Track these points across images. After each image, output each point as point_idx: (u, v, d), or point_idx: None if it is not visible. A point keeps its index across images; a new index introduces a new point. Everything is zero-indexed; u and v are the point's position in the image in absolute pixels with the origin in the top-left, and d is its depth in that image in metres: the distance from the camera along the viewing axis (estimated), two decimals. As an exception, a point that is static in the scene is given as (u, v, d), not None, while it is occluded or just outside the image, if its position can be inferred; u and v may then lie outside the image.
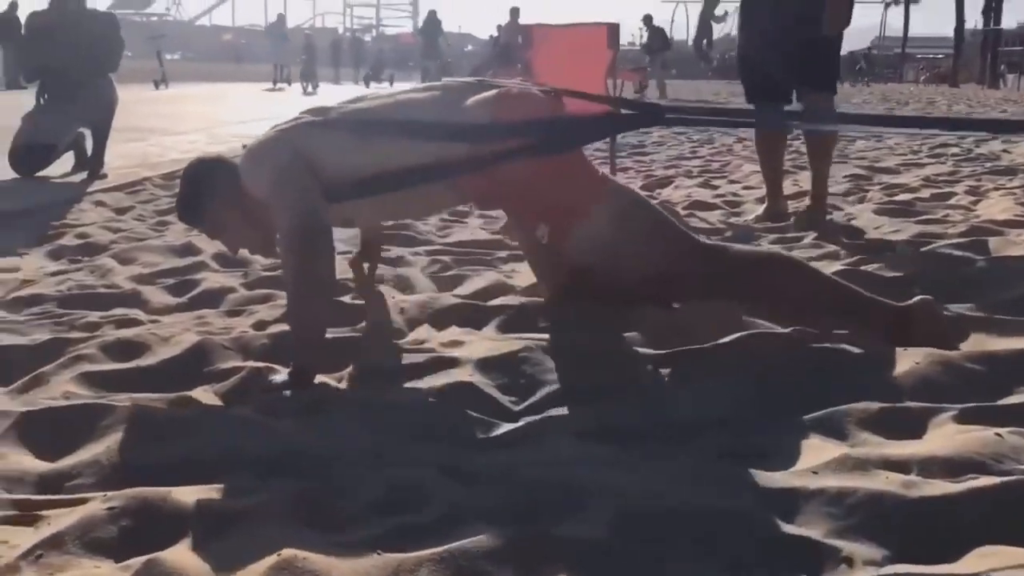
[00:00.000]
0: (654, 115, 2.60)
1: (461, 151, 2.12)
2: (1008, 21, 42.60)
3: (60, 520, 1.39)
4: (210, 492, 1.44)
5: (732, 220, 3.88)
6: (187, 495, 1.42)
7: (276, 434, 1.69)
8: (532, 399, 1.89)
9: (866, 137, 7.84)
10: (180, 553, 1.28)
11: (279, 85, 22.19)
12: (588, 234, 2.09)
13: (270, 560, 1.20)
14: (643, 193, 3.91)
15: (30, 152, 5.18)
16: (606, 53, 4.43)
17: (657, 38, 19.12)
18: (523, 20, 18.10)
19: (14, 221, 4.01)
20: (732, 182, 5.06)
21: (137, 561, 1.23)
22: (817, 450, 1.54)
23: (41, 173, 5.30)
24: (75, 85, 5.12)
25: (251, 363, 2.11)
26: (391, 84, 26.38)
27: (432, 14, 19.77)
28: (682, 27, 49.02)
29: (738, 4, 3.82)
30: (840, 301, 2.08)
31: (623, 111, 2.66)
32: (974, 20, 46.74)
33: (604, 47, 4.43)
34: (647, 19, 19.54)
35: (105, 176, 5.31)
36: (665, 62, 20.39)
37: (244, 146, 2.23)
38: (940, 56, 45.43)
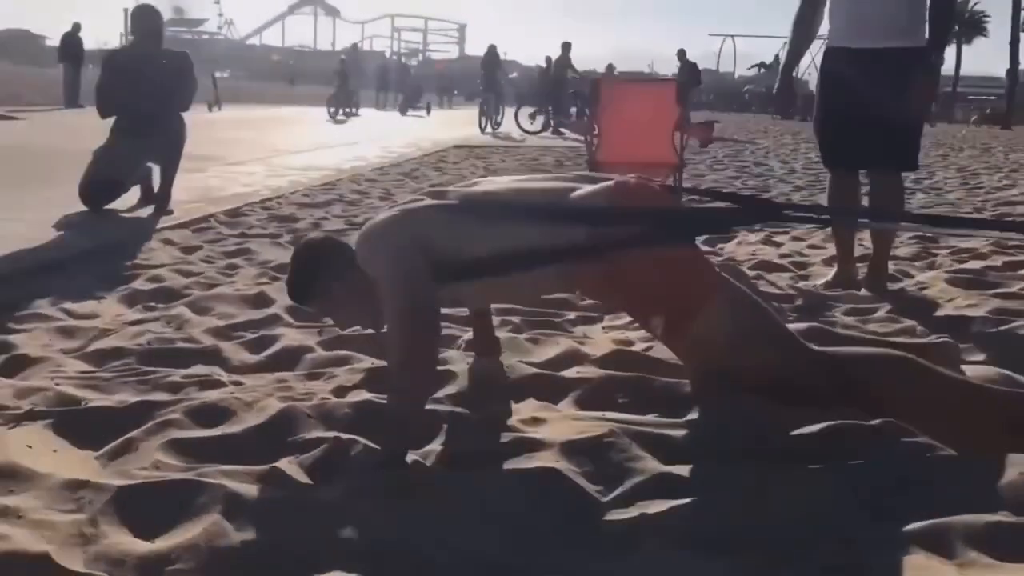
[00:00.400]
0: (772, 212, 2.60)
1: (578, 236, 2.12)
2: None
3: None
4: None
5: (801, 285, 3.84)
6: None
7: (371, 524, 1.69)
8: (620, 490, 1.87)
9: (926, 191, 7.76)
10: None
11: (348, 110, 22.50)
12: (702, 332, 2.08)
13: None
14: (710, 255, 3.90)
15: (100, 187, 5.29)
16: (674, 109, 4.43)
17: (686, 72, 19.10)
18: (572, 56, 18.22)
19: (87, 260, 4.08)
20: (796, 239, 5.02)
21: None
22: (925, 571, 1.50)
23: (109, 206, 5.40)
24: (148, 122, 5.23)
25: (334, 434, 2.11)
26: (428, 113, 26.41)
27: (492, 48, 20.05)
28: (728, 59, 48.90)
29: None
30: (963, 399, 2.01)
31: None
32: (1025, 61, 46.10)
33: (673, 103, 4.43)
34: (680, 53, 19.50)
35: (171, 212, 5.40)
36: (697, 97, 20.36)
37: (364, 223, 2.28)
38: (992, 97, 44.97)
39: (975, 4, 54.68)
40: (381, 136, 14.90)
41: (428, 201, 2.27)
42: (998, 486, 1.79)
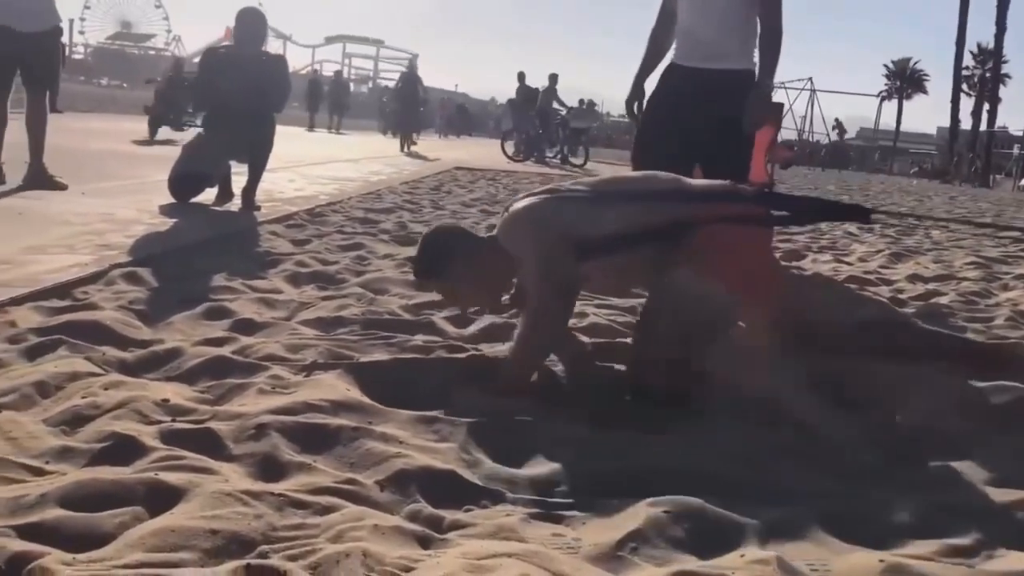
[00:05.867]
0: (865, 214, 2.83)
1: (690, 212, 2.36)
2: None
3: (618, 520, 1.57)
4: (735, 502, 1.63)
5: (903, 296, 4.12)
6: (716, 505, 1.61)
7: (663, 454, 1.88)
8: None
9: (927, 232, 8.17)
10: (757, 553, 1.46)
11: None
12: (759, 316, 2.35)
13: (873, 563, 1.40)
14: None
15: (187, 180, 5.39)
16: (768, 130, 4.71)
17: (522, 95, 19.35)
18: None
19: (219, 245, 4.18)
20: (862, 260, 5.34)
21: (760, 554, 1.41)
22: None
23: (194, 200, 5.51)
24: (239, 120, 5.33)
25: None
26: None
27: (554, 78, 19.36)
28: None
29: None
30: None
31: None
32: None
33: (768, 123, 4.70)
34: (520, 76, 19.81)
35: (259, 208, 5.51)
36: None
37: (506, 210, 2.49)
38: (934, 151, 46.88)
39: (916, 63, 57.12)
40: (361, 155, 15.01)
41: (560, 189, 2.47)
42: None
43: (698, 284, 2.24)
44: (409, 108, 19.17)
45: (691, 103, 3.71)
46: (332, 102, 25.79)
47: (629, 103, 4.10)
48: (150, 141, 10.83)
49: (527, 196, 2.48)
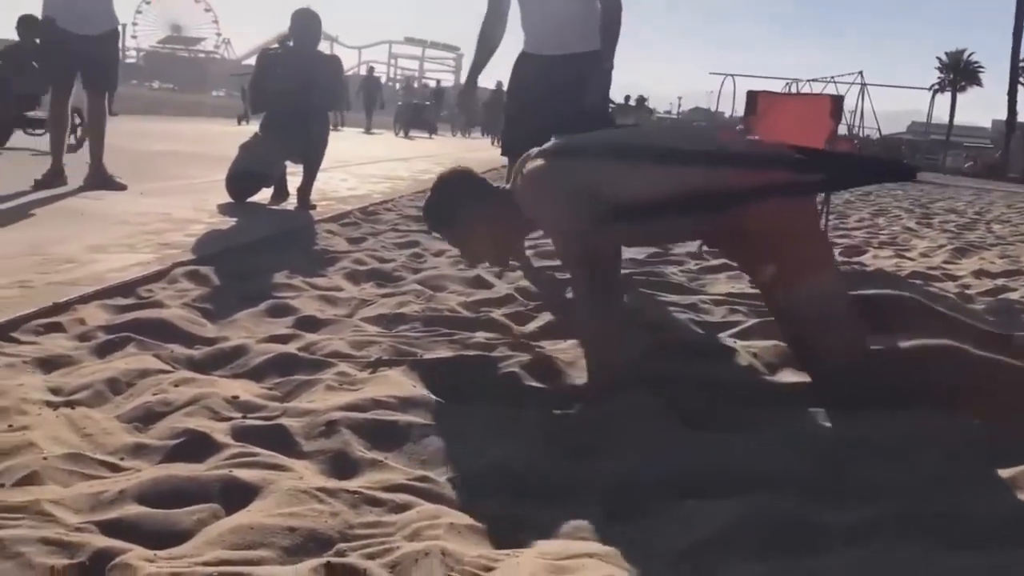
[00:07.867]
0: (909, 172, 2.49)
1: (725, 180, 2.15)
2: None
3: (697, 521, 1.52)
4: (816, 503, 1.58)
5: (969, 292, 4.00)
6: (797, 505, 1.56)
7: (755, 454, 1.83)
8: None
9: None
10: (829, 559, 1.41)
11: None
12: (808, 292, 2.11)
13: None
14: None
15: (245, 179, 5.44)
16: (828, 123, 4.62)
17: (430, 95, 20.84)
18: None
19: (278, 243, 4.21)
20: (923, 255, 5.22)
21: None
22: None
23: (251, 199, 5.56)
24: (294, 120, 5.36)
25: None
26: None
27: None
28: (728, 98, 49.40)
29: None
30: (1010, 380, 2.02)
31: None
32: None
33: (827, 117, 4.62)
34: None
35: (315, 207, 5.55)
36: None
37: (521, 167, 2.34)
38: (989, 145, 45.62)
39: (971, 54, 55.60)
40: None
41: (587, 141, 2.29)
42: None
43: (820, 291, 2.12)
44: (493, 115, 23.09)
45: (547, 92, 3.77)
46: (365, 100, 24.50)
47: (463, 98, 4.35)
48: None
49: (542, 154, 2.30)
